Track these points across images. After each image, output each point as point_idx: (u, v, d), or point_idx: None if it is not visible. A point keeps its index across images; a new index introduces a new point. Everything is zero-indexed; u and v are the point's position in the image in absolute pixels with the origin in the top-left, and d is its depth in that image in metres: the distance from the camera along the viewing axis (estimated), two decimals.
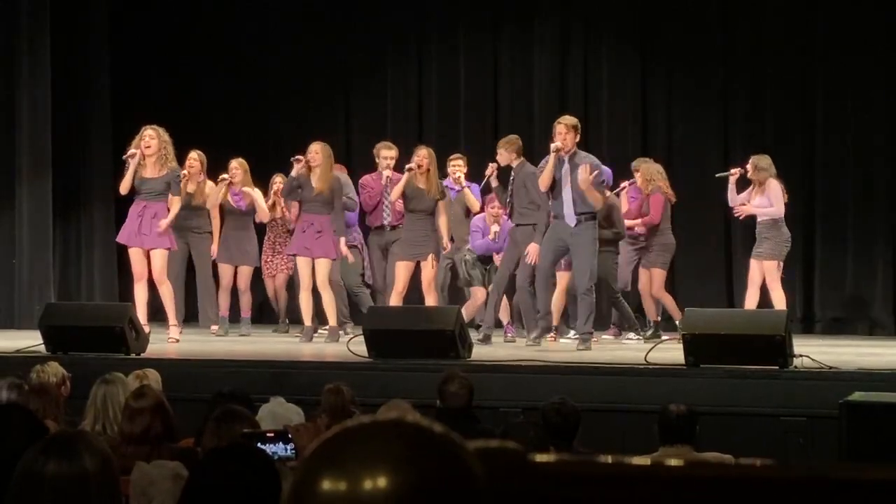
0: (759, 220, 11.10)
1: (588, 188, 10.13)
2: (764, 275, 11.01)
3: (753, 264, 11.14)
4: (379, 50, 14.40)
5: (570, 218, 10.22)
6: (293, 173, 11.14)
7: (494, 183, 11.10)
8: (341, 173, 11.85)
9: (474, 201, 11.71)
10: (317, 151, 11.10)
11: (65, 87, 13.42)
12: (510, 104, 14.09)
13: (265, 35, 14.39)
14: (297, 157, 11.19)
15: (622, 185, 11.90)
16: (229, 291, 12.30)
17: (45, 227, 13.18)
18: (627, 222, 11.58)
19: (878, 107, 13.16)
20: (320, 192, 11.01)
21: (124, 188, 10.80)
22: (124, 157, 10.76)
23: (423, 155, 11.12)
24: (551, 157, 10.22)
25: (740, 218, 11.27)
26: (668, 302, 11.61)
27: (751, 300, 11.05)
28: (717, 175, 11.54)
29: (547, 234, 10.44)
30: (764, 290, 11.05)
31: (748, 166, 11.17)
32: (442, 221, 11.19)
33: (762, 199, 11.09)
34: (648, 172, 11.73)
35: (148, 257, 10.71)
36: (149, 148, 10.62)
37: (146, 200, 10.69)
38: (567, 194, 10.22)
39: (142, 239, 10.66)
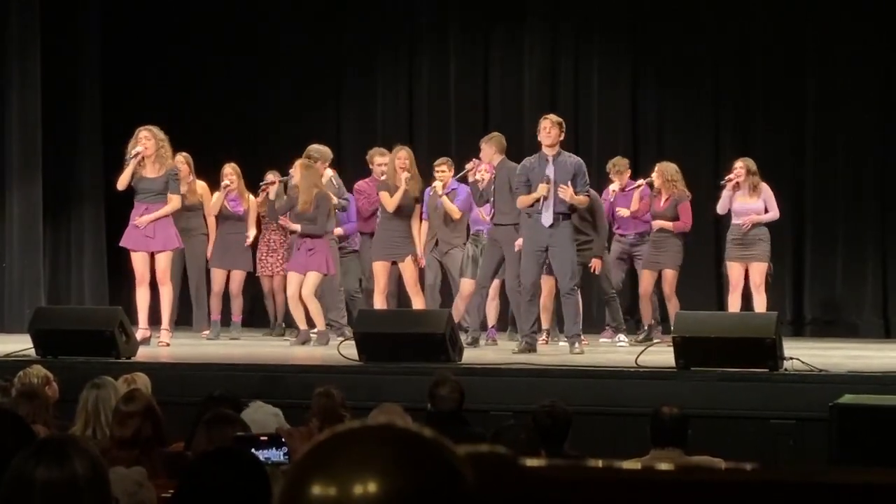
0: (749, 221, 11.04)
1: (577, 203, 10.20)
2: (751, 278, 11.00)
3: (737, 267, 11.07)
4: (370, 52, 14.40)
5: (548, 217, 10.19)
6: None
7: (471, 178, 11.02)
8: (332, 173, 11.88)
9: (454, 209, 11.56)
10: (295, 168, 11.21)
11: (55, 89, 13.38)
12: (501, 105, 14.10)
13: (257, 37, 14.38)
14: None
15: (638, 182, 11.78)
16: (221, 296, 12.28)
17: (35, 229, 13.15)
18: (656, 223, 11.49)
19: (869, 108, 13.17)
20: (303, 210, 11.06)
21: (121, 185, 10.71)
22: (128, 156, 10.64)
23: (403, 157, 11.18)
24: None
25: (746, 228, 11.11)
26: (675, 306, 11.45)
27: (734, 304, 11.04)
28: (720, 182, 11.40)
29: (525, 246, 10.37)
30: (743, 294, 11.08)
31: (740, 171, 11.11)
32: (415, 225, 11.23)
33: (757, 202, 11.07)
34: (669, 172, 11.63)
35: (152, 259, 10.69)
36: (146, 149, 10.59)
37: (147, 202, 10.62)
38: (550, 195, 10.19)
39: (147, 242, 10.61)
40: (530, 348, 10.12)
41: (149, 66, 14.34)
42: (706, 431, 7.36)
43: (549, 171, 10.21)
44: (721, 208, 11.20)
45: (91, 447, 3.03)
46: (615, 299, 11.76)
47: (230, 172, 12.09)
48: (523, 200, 10.26)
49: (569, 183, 10.17)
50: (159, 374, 8.20)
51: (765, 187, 11.13)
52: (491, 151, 10.85)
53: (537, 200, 10.16)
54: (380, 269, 11.19)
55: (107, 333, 9.40)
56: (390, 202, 11.09)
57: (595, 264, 11.22)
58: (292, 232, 11.69)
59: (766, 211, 11.09)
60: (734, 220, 11.13)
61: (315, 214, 11.05)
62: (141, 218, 10.52)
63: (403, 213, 11.16)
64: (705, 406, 8.07)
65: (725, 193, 11.11)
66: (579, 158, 10.63)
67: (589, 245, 11.31)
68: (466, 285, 11.58)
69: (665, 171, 11.61)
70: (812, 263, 13.35)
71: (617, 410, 8.31)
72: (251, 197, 12.26)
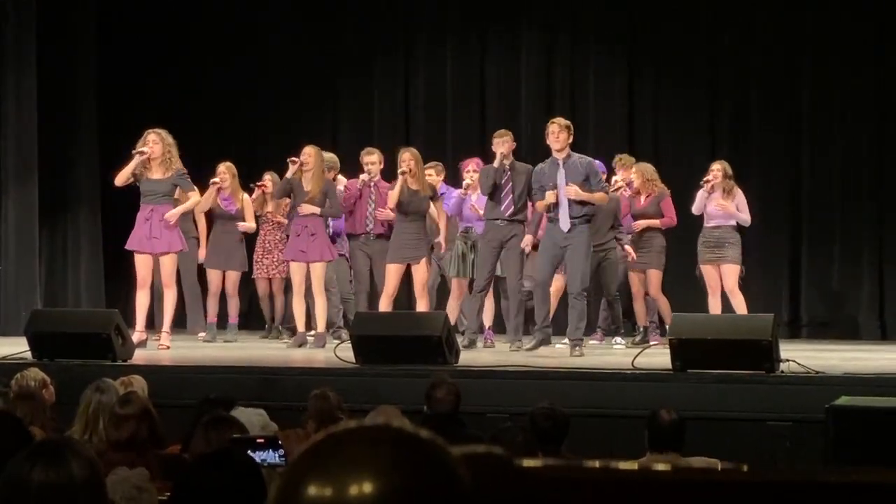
0: (721, 224, 11.15)
1: (586, 198, 10.20)
2: (725, 280, 11.07)
3: (711, 270, 11.14)
4: (366, 54, 14.41)
5: (565, 222, 10.23)
6: (288, 174, 11.15)
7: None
8: (345, 181, 11.90)
9: (437, 213, 11.58)
10: (310, 154, 11.11)
11: (51, 92, 13.38)
12: (497, 106, 14.10)
13: (252, 39, 14.38)
14: (292, 158, 11.18)
15: (616, 184, 11.85)
16: (218, 297, 12.25)
17: (32, 232, 13.14)
18: (638, 224, 11.57)
19: (865, 109, 13.18)
20: (313, 196, 11.03)
21: (119, 180, 10.70)
22: (133, 151, 10.66)
23: (407, 158, 11.13)
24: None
25: (715, 225, 11.22)
26: (664, 304, 11.54)
27: (716, 307, 11.08)
28: (701, 184, 11.47)
29: (542, 244, 10.43)
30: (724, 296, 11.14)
31: (717, 173, 11.20)
32: (441, 222, 11.21)
33: (731, 205, 11.17)
34: (648, 172, 11.75)
35: (156, 262, 10.68)
36: (153, 151, 10.60)
37: (153, 204, 10.62)
38: (563, 200, 10.23)
39: (153, 244, 10.60)
40: (545, 341, 10.19)
41: (145, 67, 14.34)
42: (703, 433, 7.37)
43: (560, 175, 10.27)
44: (696, 209, 11.32)
45: (87, 450, 3.03)
46: (618, 301, 11.79)
47: (223, 171, 12.06)
48: (538, 206, 10.40)
49: (572, 183, 10.21)
50: (156, 376, 8.19)
51: (738, 192, 11.24)
52: (512, 146, 10.82)
53: (548, 208, 10.21)
54: (393, 271, 11.09)
55: (103, 336, 9.40)
56: (390, 202, 11.14)
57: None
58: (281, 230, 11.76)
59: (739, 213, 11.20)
60: (706, 223, 11.24)
61: (324, 200, 11.08)
62: (169, 213, 10.53)
63: (415, 214, 11.10)
64: (702, 408, 8.07)
65: (701, 194, 11.26)
66: (590, 159, 10.66)
67: (605, 246, 11.31)
68: (455, 285, 11.58)
69: (644, 171, 11.77)
70: (809, 265, 13.36)
71: (614, 412, 8.31)
72: (245, 196, 12.23)
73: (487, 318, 11.57)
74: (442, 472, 1.36)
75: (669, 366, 8.66)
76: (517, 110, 13.92)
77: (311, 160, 11.08)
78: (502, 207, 10.71)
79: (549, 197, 10.21)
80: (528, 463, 1.50)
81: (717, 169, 11.26)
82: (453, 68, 14.23)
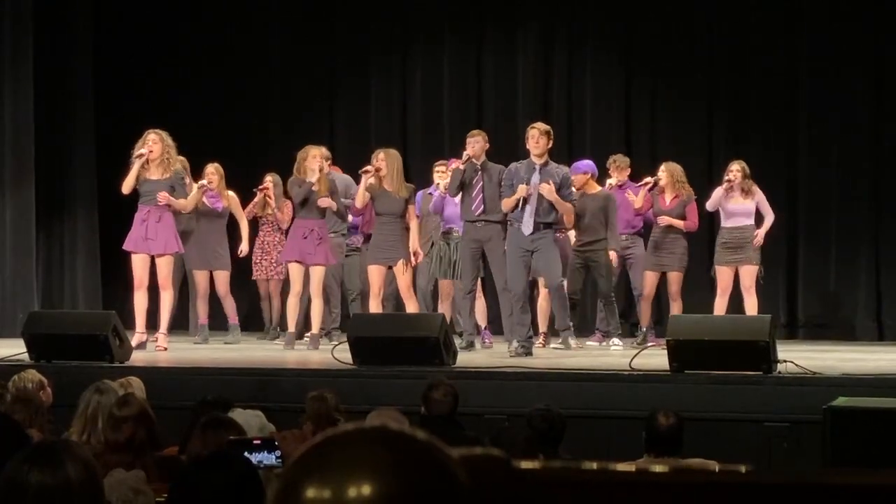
0: (741, 224, 11.09)
1: (555, 201, 10.13)
2: (742, 280, 11.03)
3: (727, 271, 11.08)
4: (363, 55, 14.41)
5: (527, 226, 10.14)
6: (311, 179, 10.97)
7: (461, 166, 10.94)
8: (343, 175, 11.92)
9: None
10: (326, 157, 11.12)
11: (48, 94, 13.38)
12: (494, 109, 14.10)
13: (250, 40, 14.39)
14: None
15: (645, 180, 11.80)
16: (207, 298, 12.17)
17: (28, 234, 13.13)
18: (664, 219, 11.50)
19: (862, 112, 13.19)
20: (322, 197, 11.02)
21: (126, 188, 10.69)
22: (133, 157, 10.67)
23: (381, 158, 11.11)
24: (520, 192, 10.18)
25: (758, 241, 11.16)
26: (678, 307, 11.42)
27: (722, 308, 11.05)
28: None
29: (509, 253, 10.34)
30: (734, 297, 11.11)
31: (737, 173, 11.12)
32: (413, 226, 11.16)
33: (750, 204, 11.12)
34: (677, 173, 11.62)
35: (153, 263, 10.67)
36: (152, 152, 10.59)
37: (150, 205, 10.61)
38: (532, 202, 10.17)
39: (148, 245, 10.59)
40: (526, 353, 10.09)
41: (141, 69, 14.34)
42: (700, 434, 7.36)
43: (535, 178, 10.19)
44: (711, 205, 11.22)
45: (84, 452, 3.03)
46: (613, 302, 11.74)
47: (212, 172, 12.05)
48: (506, 203, 10.26)
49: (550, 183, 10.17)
50: (153, 378, 8.19)
51: (758, 190, 11.18)
52: (485, 146, 10.80)
53: (517, 205, 10.14)
54: (374, 272, 11.13)
55: (100, 337, 9.40)
56: (357, 200, 11.14)
57: (613, 257, 11.32)
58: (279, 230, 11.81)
59: (757, 211, 11.15)
60: (725, 223, 11.16)
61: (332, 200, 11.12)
62: (161, 195, 10.49)
63: (389, 216, 11.08)
64: (699, 409, 8.07)
65: (718, 191, 11.14)
66: (567, 168, 10.63)
67: (593, 246, 11.30)
68: (443, 286, 11.57)
69: (674, 171, 11.62)
70: (806, 266, 13.36)
71: (611, 413, 8.31)
72: (231, 194, 12.20)
73: (482, 319, 11.56)
74: (440, 475, 1.36)
75: (667, 367, 8.66)
76: (514, 111, 13.92)
77: (322, 163, 11.10)
78: (473, 207, 10.68)
79: (521, 190, 10.09)
80: (526, 464, 1.50)
81: (737, 169, 11.16)
82: (450, 68, 14.24)
